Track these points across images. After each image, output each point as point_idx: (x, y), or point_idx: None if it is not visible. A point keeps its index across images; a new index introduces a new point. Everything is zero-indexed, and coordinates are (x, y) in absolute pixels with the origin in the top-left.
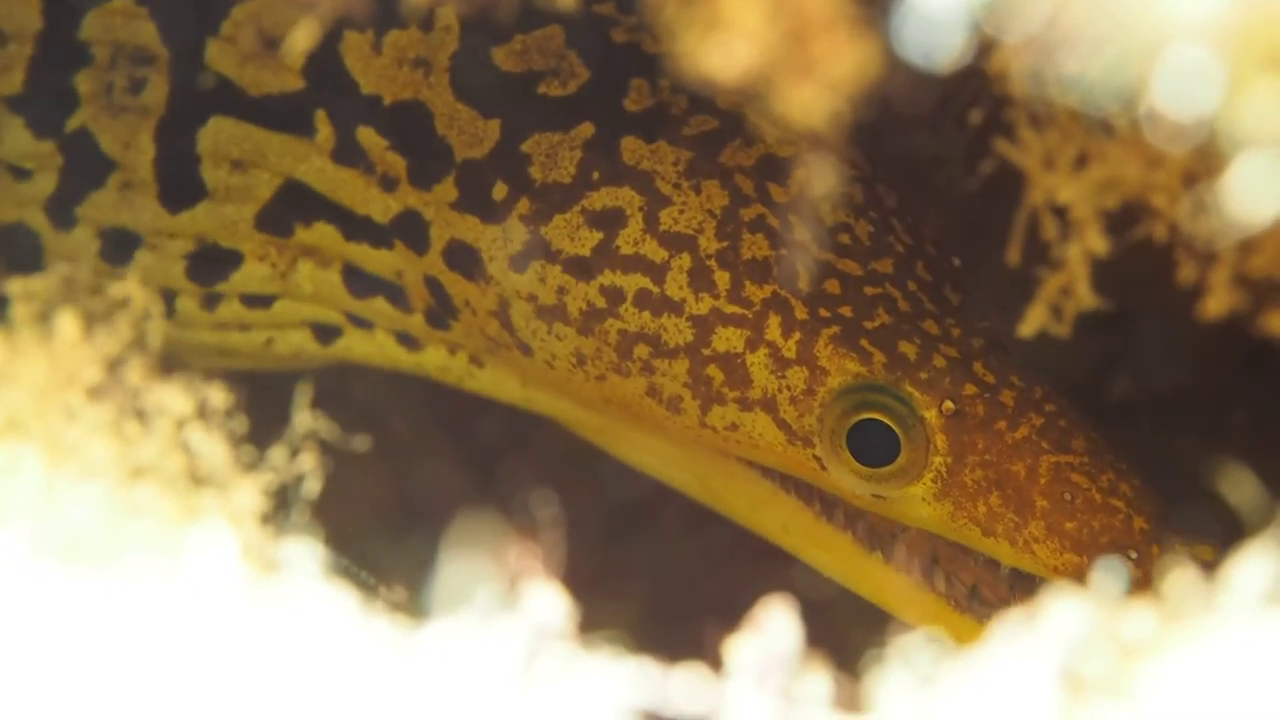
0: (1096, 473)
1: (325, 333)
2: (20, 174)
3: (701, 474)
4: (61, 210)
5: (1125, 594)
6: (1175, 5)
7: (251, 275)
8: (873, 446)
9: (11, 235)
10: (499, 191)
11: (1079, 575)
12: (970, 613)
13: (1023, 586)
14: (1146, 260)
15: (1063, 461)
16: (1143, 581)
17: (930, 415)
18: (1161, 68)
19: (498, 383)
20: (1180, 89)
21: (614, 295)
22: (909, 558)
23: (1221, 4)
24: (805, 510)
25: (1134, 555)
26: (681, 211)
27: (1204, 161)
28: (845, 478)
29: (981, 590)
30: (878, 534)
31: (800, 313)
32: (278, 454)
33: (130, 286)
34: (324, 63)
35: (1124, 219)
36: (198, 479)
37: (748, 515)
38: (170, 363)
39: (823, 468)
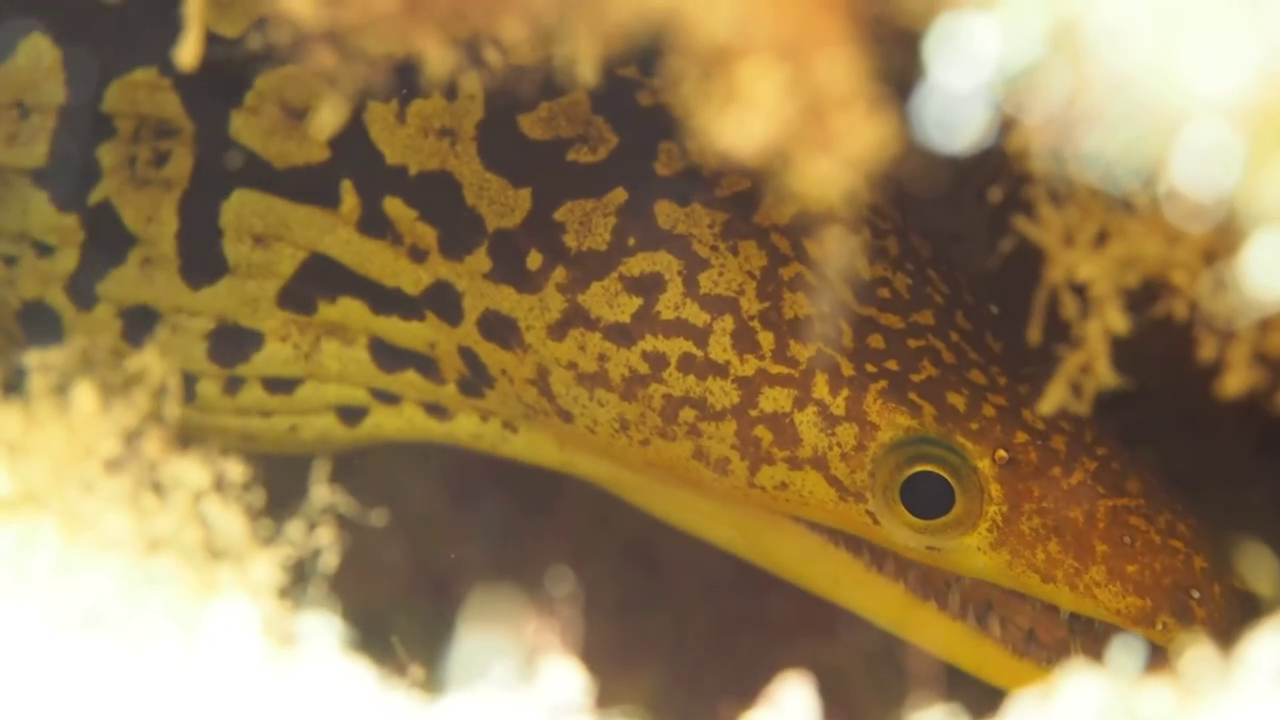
0: (1154, 514)
1: (350, 415)
2: (43, 250)
3: (748, 531)
4: (82, 289)
5: (1144, 670)
6: (1194, 83)
7: (274, 357)
8: (927, 499)
9: (33, 314)
10: (533, 261)
11: (1142, 618)
12: (1028, 657)
13: (1081, 627)
14: (1166, 338)
15: (1119, 504)
16: (1206, 621)
17: (984, 465)
18: (1181, 146)
19: (534, 447)
20: (1199, 167)
21: (657, 360)
22: (963, 604)
23: (1241, 82)
24: (855, 562)
25: (1196, 595)
26: (721, 273)
27: (1223, 239)
28: (899, 531)
29: (1038, 634)
30: (930, 583)
31: (846, 369)
32: (295, 528)
33: (148, 358)
34: (349, 133)
35: (1144, 296)
36: (215, 552)
37: (796, 570)
38: (188, 436)
39: (875, 522)
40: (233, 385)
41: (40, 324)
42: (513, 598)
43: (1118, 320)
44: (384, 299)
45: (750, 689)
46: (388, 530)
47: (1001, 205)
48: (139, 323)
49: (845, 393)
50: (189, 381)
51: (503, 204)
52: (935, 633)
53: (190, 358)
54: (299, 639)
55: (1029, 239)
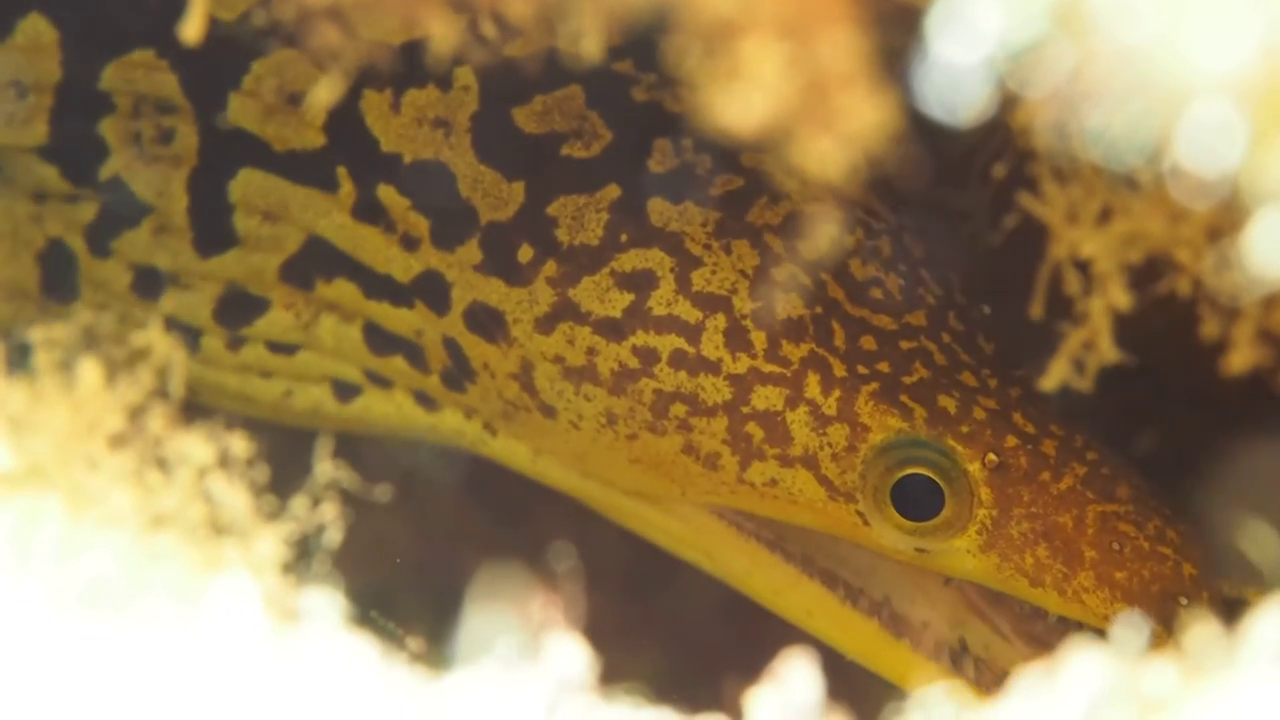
0: (1143, 520)
1: (345, 390)
2: (71, 198)
3: (718, 556)
4: (99, 240)
5: (1148, 648)
6: (1199, 60)
7: (276, 323)
8: (916, 500)
9: (53, 254)
10: (525, 254)
11: None
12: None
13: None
14: (1169, 315)
15: (1109, 510)
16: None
17: (974, 469)
18: (1185, 123)
19: (509, 452)
20: (1204, 144)
21: (647, 355)
22: (937, 646)
23: (1245, 59)
24: (829, 595)
25: (1185, 602)
26: (714, 272)
27: (1228, 217)
28: (888, 533)
29: (1013, 677)
30: (903, 621)
31: (839, 370)
32: (299, 503)
33: (152, 335)
34: (344, 120)
35: (1147, 273)
36: (219, 528)
37: (770, 599)
38: (192, 411)
39: (865, 523)
40: (236, 342)
41: (58, 266)
42: (518, 574)
43: (1121, 297)
44: (376, 285)
45: (755, 666)
46: (392, 506)
47: (1006, 182)
48: (149, 278)
49: (837, 393)
50: (194, 335)
51: (496, 197)
52: (907, 671)
53: (197, 315)
54: (303, 615)
55: (1033, 215)
